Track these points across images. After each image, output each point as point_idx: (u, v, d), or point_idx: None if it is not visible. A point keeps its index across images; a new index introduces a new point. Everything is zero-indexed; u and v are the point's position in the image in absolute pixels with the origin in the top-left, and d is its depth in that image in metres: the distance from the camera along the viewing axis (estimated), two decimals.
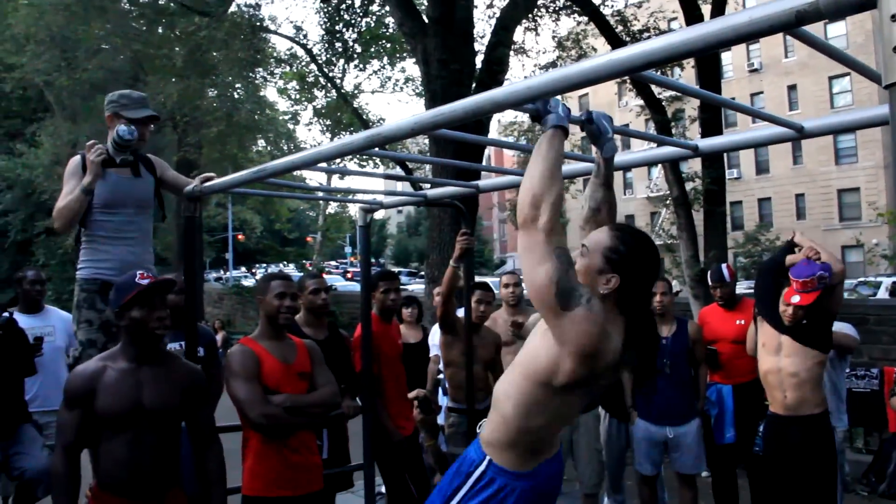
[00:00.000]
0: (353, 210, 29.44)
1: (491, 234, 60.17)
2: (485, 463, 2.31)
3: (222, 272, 43.48)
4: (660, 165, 14.96)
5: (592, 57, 1.96)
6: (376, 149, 2.77)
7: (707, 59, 9.97)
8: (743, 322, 5.31)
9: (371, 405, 4.36)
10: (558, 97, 2.20)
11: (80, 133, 20.41)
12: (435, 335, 6.26)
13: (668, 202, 13.95)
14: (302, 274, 5.00)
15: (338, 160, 3.59)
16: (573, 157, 2.99)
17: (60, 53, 18.66)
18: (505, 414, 2.27)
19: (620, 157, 3.11)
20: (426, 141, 13.90)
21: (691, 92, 2.71)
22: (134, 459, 2.83)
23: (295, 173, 17.53)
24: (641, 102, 11.69)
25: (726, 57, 40.29)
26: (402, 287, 5.04)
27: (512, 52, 12.32)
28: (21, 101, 27.37)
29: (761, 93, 40.60)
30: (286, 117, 26.40)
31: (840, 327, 4.83)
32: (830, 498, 4.17)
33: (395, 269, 41.38)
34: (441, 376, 6.16)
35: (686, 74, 14.71)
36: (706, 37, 1.55)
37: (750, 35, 1.48)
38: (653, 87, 10.64)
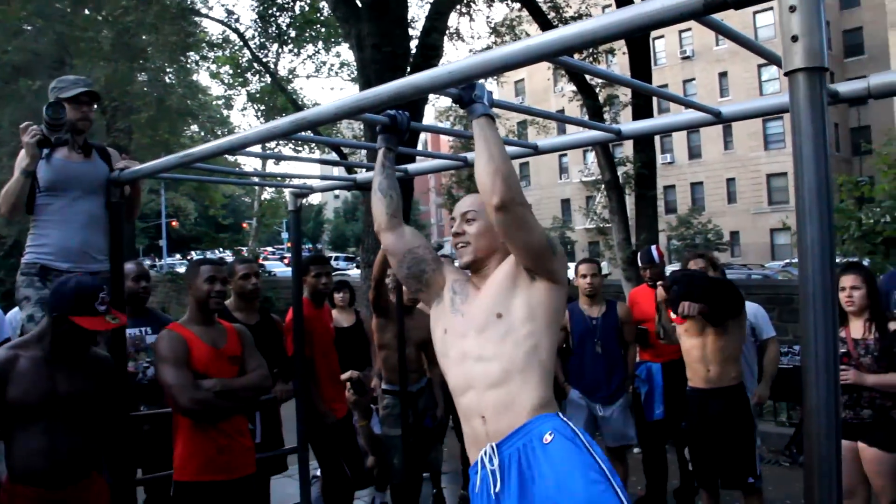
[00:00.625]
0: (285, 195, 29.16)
1: (428, 218, 60.23)
2: (562, 418, 2.27)
3: (156, 259, 42.66)
4: (593, 150, 15.17)
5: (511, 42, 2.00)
6: (306, 133, 2.76)
7: (638, 45, 10.16)
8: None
9: (304, 389, 4.37)
10: (482, 83, 2.25)
11: (2, 118, 19.75)
12: None
13: (601, 186, 14.18)
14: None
15: (272, 146, 3.57)
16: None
17: None
18: (539, 365, 2.28)
19: (548, 141, 3.17)
20: (362, 126, 13.84)
21: (612, 78, 2.78)
22: (49, 448, 2.81)
23: (230, 158, 17.28)
24: (575, 88, 11.85)
25: (659, 44, 40.99)
26: (340, 272, 5.06)
27: (447, 38, 12.35)
28: None
29: (693, 79, 41.49)
30: (219, 102, 25.97)
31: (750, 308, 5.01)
32: (750, 462, 4.35)
33: (333, 255, 41.20)
34: None
35: (620, 61, 14.93)
36: (620, 23, 1.60)
37: (662, 22, 1.54)
38: (585, 75, 10.79)
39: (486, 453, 2.26)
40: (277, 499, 4.88)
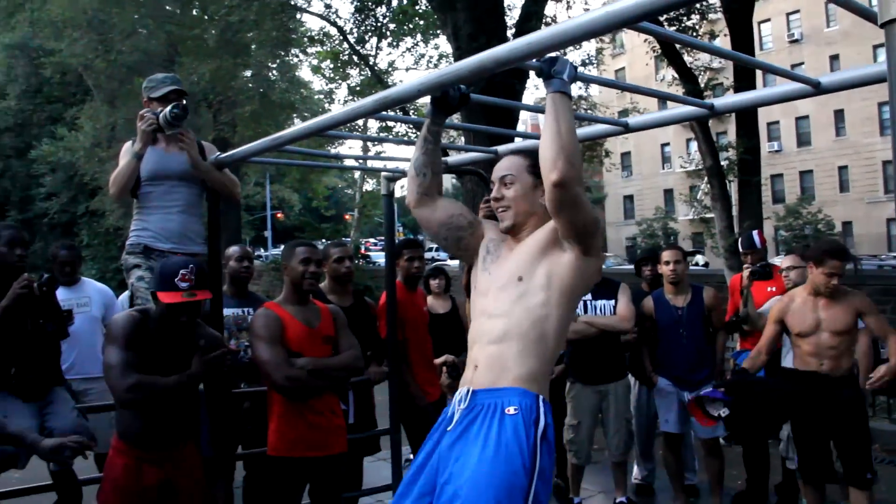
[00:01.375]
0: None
1: None
2: (540, 402, 2.27)
3: (262, 250, 43.93)
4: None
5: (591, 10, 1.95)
6: (392, 112, 2.75)
7: (741, 26, 9.83)
8: (774, 290, 5.25)
9: (397, 371, 4.42)
10: (566, 58, 2.21)
11: (118, 116, 20.72)
12: None
13: (703, 175, 13.80)
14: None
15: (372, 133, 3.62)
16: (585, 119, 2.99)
17: (97, 37, 18.92)
18: (542, 337, 2.30)
19: (639, 119, 3.10)
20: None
21: (702, 47, 2.69)
22: (149, 414, 2.99)
23: (329, 148, 17.63)
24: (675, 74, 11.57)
25: (765, 28, 39.55)
26: (440, 261, 5.09)
27: (544, 26, 12.24)
28: (61, 86, 27.89)
29: (802, 63, 39.75)
30: (321, 96, 26.48)
31: None
32: (867, 456, 4.20)
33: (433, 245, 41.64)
34: None
35: (722, 44, 14.49)
36: None
37: None
38: (685, 57, 10.53)
39: (462, 394, 2.34)
40: (370, 481, 4.96)
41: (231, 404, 3.89)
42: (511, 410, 2.20)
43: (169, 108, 3.61)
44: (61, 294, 4.56)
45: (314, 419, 3.46)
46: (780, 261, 5.11)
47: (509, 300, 2.33)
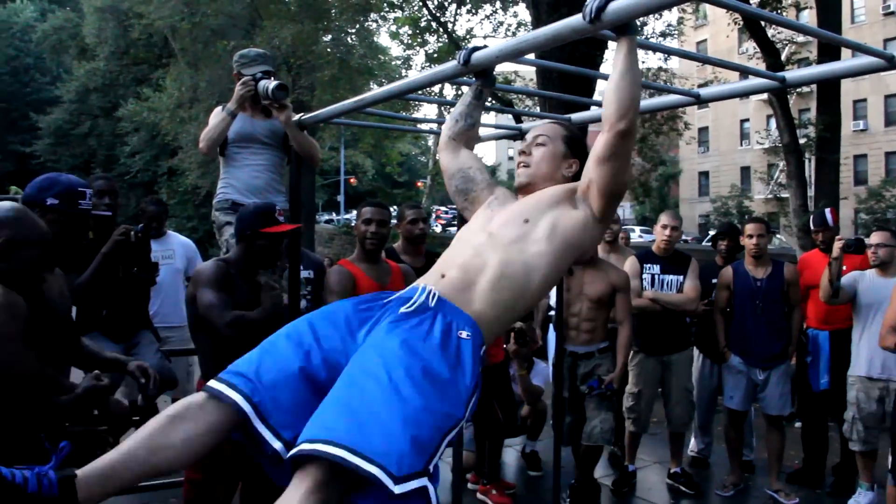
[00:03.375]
0: None
1: None
2: (481, 341, 2.07)
3: (334, 214, 44.58)
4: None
5: None
6: (469, 77, 2.83)
7: (829, 5, 9.57)
8: (845, 269, 5.21)
9: None
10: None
11: (200, 78, 21.27)
12: None
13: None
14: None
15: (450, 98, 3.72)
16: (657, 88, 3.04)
17: (183, 1, 19.41)
18: (523, 286, 2.18)
19: (710, 90, 3.14)
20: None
21: (768, 18, 2.71)
22: (232, 355, 3.15)
23: (406, 113, 17.80)
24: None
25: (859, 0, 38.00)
26: None
27: None
28: (147, 48, 28.78)
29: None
30: (398, 62, 26.63)
31: None
32: None
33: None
34: (552, 312, 6.29)
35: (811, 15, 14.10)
36: None
37: None
38: (768, 31, 10.31)
39: (428, 292, 2.09)
40: None
41: None
42: (463, 334, 1.99)
43: (274, 83, 3.84)
44: None
45: None
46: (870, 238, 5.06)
47: (508, 237, 2.22)
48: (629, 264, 5.23)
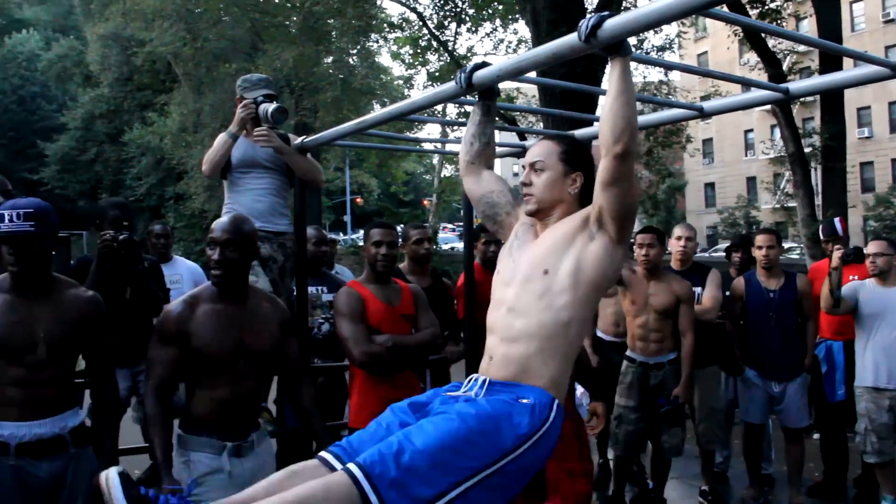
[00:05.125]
0: None
1: None
2: (555, 406, 2.20)
3: (341, 234, 44.72)
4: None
5: None
6: (471, 97, 2.82)
7: (828, 9, 9.58)
8: (856, 278, 5.17)
9: (473, 350, 4.52)
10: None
11: (204, 102, 21.41)
12: None
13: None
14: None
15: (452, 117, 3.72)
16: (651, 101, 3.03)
17: (185, 26, 19.58)
18: (565, 340, 2.25)
19: (714, 103, 3.13)
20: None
21: (774, 31, 2.70)
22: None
23: (409, 134, 17.87)
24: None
25: (857, 8, 38.04)
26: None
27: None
28: (151, 74, 28.92)
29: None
30: (401, 82, 26.75)
31: None
32: None
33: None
34: None
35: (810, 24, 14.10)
36: None
37: None
38: (769, 41, 10.31)
39: (478, 379, 2.26)
40: None
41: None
42: (525, 401, 2.13)
43: (274, 106, 3.85)
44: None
45: (393, 394, 3.57)
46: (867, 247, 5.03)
47: (533, 296, 2.26)
48: (642, 281, 5.20)
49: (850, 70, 2.61)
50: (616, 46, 2.04)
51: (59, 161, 35.45)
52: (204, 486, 2.77)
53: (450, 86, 2.63)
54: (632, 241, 5.13)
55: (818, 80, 2.73)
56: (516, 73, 2.41)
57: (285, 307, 3.30)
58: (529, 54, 2.30)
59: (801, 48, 14.17)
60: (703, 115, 3.10)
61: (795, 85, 2.80)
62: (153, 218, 27.91)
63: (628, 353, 4.94)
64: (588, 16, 2.01)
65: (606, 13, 2.00)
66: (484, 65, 2.50)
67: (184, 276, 5.48)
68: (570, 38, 2.10)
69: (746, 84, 2.91)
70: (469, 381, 2.27)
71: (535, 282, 2.28)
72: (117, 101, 32.30)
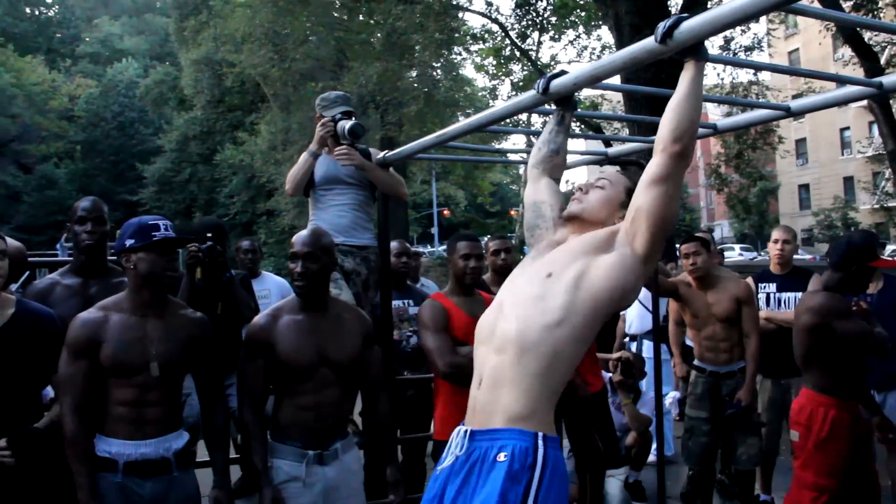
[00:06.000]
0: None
1: (697, 202, 57.75)
2: (540, 442, 2.04)
3: (428, 246, 45.09)
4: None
5: None
6: (550, 106, 2.80)
7: None
8: None
9: None
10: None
11: (292, 120, 21.95)
12: None
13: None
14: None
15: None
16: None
17: (273, 48, 20.14)
18: (551, 355, 2.07)
19: (801, 102, 3.03)
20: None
21: (860, 23, 2.59)
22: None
23: (494, 144, 17.94)
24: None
25: None
26: None
27: None
28: (240, 95, 29.97)
29: None
30: (485, 93, 26.84)
31: None
32: None
33: None
34: (626, 339, 6.20)
35: None
36: None
37: None
38: (865, 34, 9.93)
39: (460, 434, 2.16)
40: None
41: (395, 391, 4.11)
42: (501, 458, 2.01)
43: (352, 122, 3.92)
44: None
45: None
46: None
47: (529, 298, 2.15)
48: (698, 293, 5.08)
49: None
50: (693, 49, 2.00)
51: (156, 182, 36.97)
52: (283, 492, 2.89)
53: (528, 95, 2.63)
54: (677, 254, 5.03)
55: None
56: (593, 80, 2.39)
57: (367, 318, 3.36)
58: (606, 60, 2.28)
59: None
60: (791, 114, 3.00)
61: (889, 79, 2.68)
62: (245, 234, 28.75)
63: (696, 362, 4.85)
64: (665, 20, 1.98)
65: (685, 14, 1.97)
66: (562, 73, 2.49)
67: (272, 291, 5.60)
68: (647, 42, 2.07)
69: (836, 80, 2.81)
70: (453, 438, 2.18)
71: (535, 284, 2.18)
72: (209, 123, 33.57)
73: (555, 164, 2.60)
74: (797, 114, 2.98)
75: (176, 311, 2.93)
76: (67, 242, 11.77)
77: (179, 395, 2.96)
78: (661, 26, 1.98)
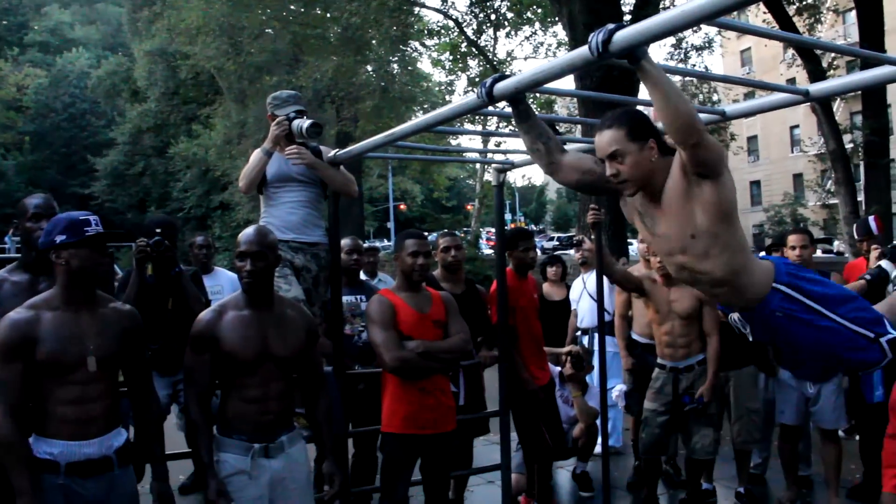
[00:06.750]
0: (510, 177, 29.66)
1: None
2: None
3: (385, 241, 45.02)
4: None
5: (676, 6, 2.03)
6: (498, 108, 2.87)
7: (869, 9, 9.43)
8: None
9: (507, 355, 4.58)
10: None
11: (248, 114, 21.79)
12: (575, 291, 6.45)
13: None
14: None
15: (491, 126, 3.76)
16: None
17: (228, 41, 19.97)
18: (742, 254, 2.46)
19: (736, 107, 3.15)
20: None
21: (775, 36, 2.71)
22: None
23: (450, 140, 18.01)
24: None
25: None
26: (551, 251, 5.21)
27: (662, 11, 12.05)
28: (195, 88, 29.63)
29: None
30: (441, 88, 26.88)
31: None
32: None
33: (556, 235, 42.09)
34: (578, 333, 6.33)
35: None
36: None
37: None
38: (806, 37, 10.20)
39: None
40: (480, 461, 5.23)
41: (346, 385, 4.18)
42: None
43: (308, 122, 3.96)
44: None
45: (424, 399, 3.66)
46: None
47: (702, 258, 2.45)
48: (662, 289, 5.19)
49: (873, 70, 2.61)
50: (632, 54, 2.07)
51: (109, 175, 36.42)
52: (229, 486, 2.93)
53: (471, 99, 2.69)
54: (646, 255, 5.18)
55: (839, 81, 2.73)
56: (534, 85, 2.45)
57: (311, 315, 3.42)
58: (545, 66, 2.35)
59: (841, 43, 13.97)
60: (726, 118, 3.12)
61: (816, 87, 2.81)
62: (199, 228, 28.49)
63: (659, 360, 4.96)
64: (597, 30, 2.05)
65: (614, 26, 2.03)
66: (503, 77, 2.55)
67: (225, 287, 5.60)
68: (583, 51, 2.12)
69: (767, 88, 2.93)
70: None
71: (692, 248, 2.45)
72: (163, 116, 33.12)
73: (557, 145, 2.67)
74: (731, 118, 3.10)
75: (106, 304, 2.89)
76: (16, 236, 11.57)
77: (118, 391, 2.93)
78: (594, 39, 2.04)
